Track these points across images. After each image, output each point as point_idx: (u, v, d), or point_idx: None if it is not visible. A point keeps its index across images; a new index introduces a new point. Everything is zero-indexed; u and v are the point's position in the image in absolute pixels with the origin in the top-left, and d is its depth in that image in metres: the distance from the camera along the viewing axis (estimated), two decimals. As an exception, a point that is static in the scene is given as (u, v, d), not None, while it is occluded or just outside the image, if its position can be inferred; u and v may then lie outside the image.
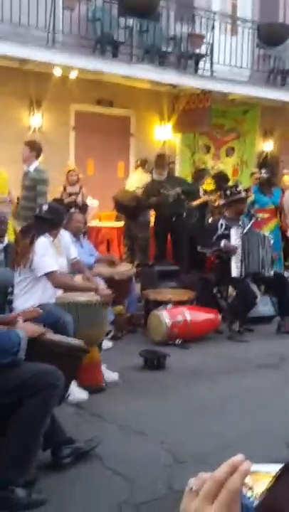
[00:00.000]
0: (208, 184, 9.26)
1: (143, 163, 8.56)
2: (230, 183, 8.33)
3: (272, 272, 6.40)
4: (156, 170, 7.80)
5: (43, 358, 2.63)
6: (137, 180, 8.14)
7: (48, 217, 4.46)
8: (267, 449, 3.41)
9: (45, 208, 4.60)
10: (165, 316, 5.81)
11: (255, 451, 3.37)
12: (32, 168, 6.44)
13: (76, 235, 6.00)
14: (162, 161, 7.91)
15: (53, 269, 4.23)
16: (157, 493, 2.84)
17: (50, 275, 4.23)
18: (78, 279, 5.41)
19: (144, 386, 4.56)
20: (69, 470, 3.03)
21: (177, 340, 5.77)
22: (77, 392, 4.00)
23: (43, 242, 4.30)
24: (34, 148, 6.50)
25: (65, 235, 5.40)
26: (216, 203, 8.69)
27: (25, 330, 2.66)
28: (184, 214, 7.69)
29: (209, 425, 3.79)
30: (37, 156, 6.51)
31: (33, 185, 6.40)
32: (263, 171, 7.65)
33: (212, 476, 0.77)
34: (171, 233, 7.68)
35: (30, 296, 4.27)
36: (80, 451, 3.10)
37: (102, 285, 5.47)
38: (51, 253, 4.31)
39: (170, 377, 4.82)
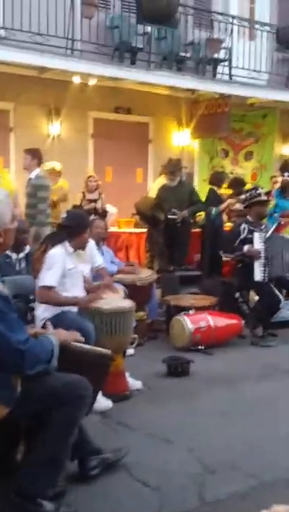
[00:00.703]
0: (225, 189, 9.20)
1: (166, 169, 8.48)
2: (247, 187, 8.26)
3: (296, 277, 6.33)
4: (168, 176, 7.69)
5: (71, 366, 2.59)
6: (157, 188, 8.10)
7: (66, 225, 4.43)
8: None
9: (64, 215, 4.58)
10: (188, 322, 5.77)
11: (283, 458, 3.32)
12: (33, 175, 6.52)
13: (97, 241, 5.99)
14: (173, 167, 7.74)
15: (47, 284, 4.17)
16: (188, 504, 2.79)
17: (42, 289, 4.19)
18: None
19: (169, 393, 4.52)
20: (97, 482, 2.98)
21: (200, 346, 5.72)
22: (102, 401, 3.96)
23: (53, 254, 4.26)
24: (35, 156, 6.60)
25: (90, 243, 5.39)
26: (234, 207, 8.64)
27: (57, 335, 2.63)
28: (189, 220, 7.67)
29: (237, 431, 3.73)
30: (39, 164, 6.59)
31: (35, 192, 6.46)
32: (287, 174, 7.56)
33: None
34: (176, 239, 7.52)
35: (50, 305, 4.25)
36: (107, 462, 3.06)
37: (121, 291, 5.45)
38: (58, 266, 4.22)
39: (195, 383, 4.77)
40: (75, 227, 4.41)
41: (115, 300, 4.62)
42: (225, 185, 9.09)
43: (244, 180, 9.39)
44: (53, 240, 4.43)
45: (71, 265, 4.34)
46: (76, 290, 4.38)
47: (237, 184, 8.87)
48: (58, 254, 4.27)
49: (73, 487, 2.91)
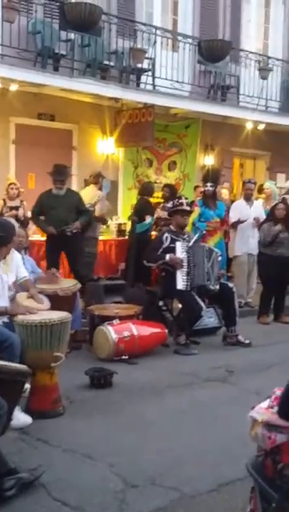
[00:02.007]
0: (155, 198, 9.31)
1: (96, 179, 8.36)
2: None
3: (217, 287, 6.40)
4: (55, 184, 6.95)
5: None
6: (87, 197, 8.00)
7: None
8: (218, 466, 3.36)
9: None
10: (111, 332, 5.70)
11: (207, 469, 3.32)
12: None
13: (18, 250, 5.82)
14: (60, 175, 6.96)
15: None
16: (108, 523, 2.72)
17: None
18: (23, 296, 5.25)
19: (91, 406, 4.43)
20: (14, 503, 2.85)
21: (124, 356, 5.67)
22: (20, 417, 3.82)
23: None
24: None
25: (16, 254, 5.26)
26: (159, 214, 8.75)
27: None
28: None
29: (160, 443, 3.70)
30: None
31: None
32: (209, 184, 7.69)
33: None
34: (65, 248, 7.05)
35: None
36: (24, 482, 2.93)
37: (46, 302, 5.33)
38: None
39: (118, 395, 4.71)
40: (4, 237, 4.33)
41: (47, 312, 4.52)
42: (157, 194, 9.26)
43: (176, 188, 9.58)
44: None
45: None
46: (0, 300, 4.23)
47: (172, 191, 9.03)
48: None
49: (-13, 511, 2.76)
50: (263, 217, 8.16)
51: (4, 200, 7.71)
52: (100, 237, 8.32)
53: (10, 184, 7.80)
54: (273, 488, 2.21)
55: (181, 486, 3.08)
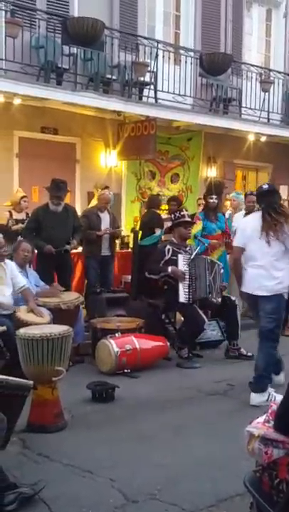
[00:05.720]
0: (162, 211, 9.36)
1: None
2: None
3: (219, 299, 6.40)
4: (52, 200, 6.62)
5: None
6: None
7: None
8: (218, 481, 3.36)
9: None
10: (114, 345, 5.71)
11: (207, 484, 3.31)
12: None
13: (22, 264, 5.86)
14: (58, 190, 6.59)
15: None
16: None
17: None
18: (22, 309, 5.30)
19: (92, 420, 4.43)
20: (13, 518, 2.86)
21: (126, 370, 5.67)
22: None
23: None
24: None
25: (10, 264, 5.30)
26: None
27: None
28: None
29: (160, 458, 3.70)
30: None
31: None
32: (214, 197, 7.70)
33: None
34: (58, 265, 6.74)
35: None
36: (24, 497, 2.94)
37: (47, 315, 5.37)
38: None
39: (119, 409, 4.71)
40: None
41: (48, 325, 4.55)
42: (164, 206, 9.29)
43: (180, 200, 9.63)
44: None
45: None
46: None
47: (179, 204, 9.08)
48: None
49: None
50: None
51: (11, 212, 7.75)
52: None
53: (22, 197, 7.85)
54: (270, 503, 2.22)
55: (181, 501, 3.08)
